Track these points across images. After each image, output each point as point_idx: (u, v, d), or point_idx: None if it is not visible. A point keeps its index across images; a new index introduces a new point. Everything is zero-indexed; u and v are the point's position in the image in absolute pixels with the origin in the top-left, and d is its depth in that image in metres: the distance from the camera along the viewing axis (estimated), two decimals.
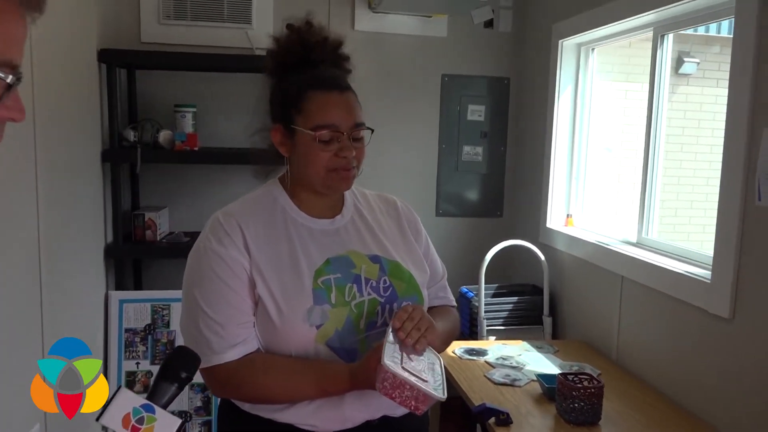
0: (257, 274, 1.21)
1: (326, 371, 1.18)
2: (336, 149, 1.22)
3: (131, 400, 0.82)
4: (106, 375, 2.78)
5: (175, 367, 0.88)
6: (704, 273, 2.03)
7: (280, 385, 1.19)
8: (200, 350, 1.18)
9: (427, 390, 1.06)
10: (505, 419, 1.89)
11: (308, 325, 1.19)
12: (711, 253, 2.01)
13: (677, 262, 2.21)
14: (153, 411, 0.82)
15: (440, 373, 1.16)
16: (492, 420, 1.90)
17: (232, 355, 1.19)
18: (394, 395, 1.06)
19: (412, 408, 1.08)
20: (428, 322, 1.19)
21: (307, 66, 1.27)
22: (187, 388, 2.77)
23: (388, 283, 1.28)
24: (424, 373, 1.10)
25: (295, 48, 1.27)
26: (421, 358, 1.15)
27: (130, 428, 0.80)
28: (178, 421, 0.83)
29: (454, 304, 1.51)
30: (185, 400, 2.81)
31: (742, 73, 1.81)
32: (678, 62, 5.61)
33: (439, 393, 1.09)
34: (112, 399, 0.82)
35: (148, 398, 0.85)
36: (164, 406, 0.85)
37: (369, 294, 1.25)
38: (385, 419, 1.27)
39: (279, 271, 1.22)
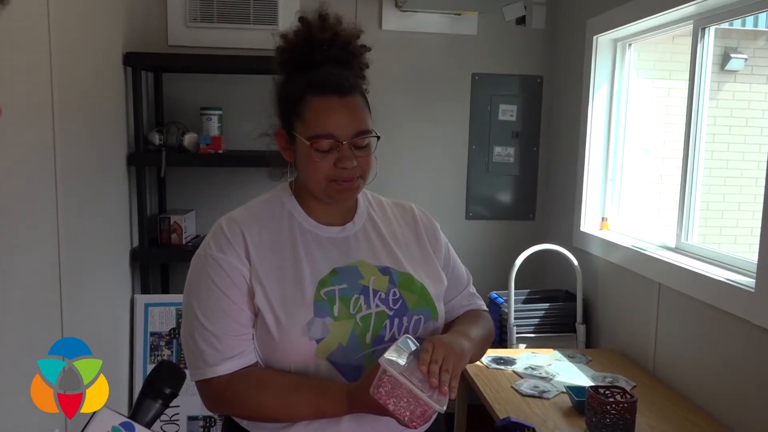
0: (257, 284, 1.15)
1: (324, 391, 1.10)
2: (335, 159, 1.14)
3: (111, 419, 0.79)
4: (131, 378, 2.79)
5: (158, 383, 0.85)
6: (748, 281, 1.90)
7: (274, 403, 1.11)
8: (195, 362, 1.14)
9: (427, 400, 0.97)
10: None
11: (308, 339, 1.11)
12: (754, 258, 1.88)
13: (719, 269, 2.08)
14: (133, 429, 0.80)
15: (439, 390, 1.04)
16: None
17: (227, 368, 1.12)
18: (388, 402, 0.98)
19: (405, 420, 0.99)
20: (455, 356, 1.07)
21: (310, 66, 1.19)
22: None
23: (398, 295, 1.19)
24: (423, 387, 1.01)
25: (299, 46, 1.19)
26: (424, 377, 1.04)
27: None
28: None
29: (485, 308, 1.40)
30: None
31: None
32: (724, 58, 5.38)
33: (441, 405, 0.99)
34: (92, 418, 0.79)
35: (131, 416, 0.82)
36: (148, 425, 0.82)
37: (377, 306, 1.16)
38: None
39: (280, 280, 1.15)
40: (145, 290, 2.87)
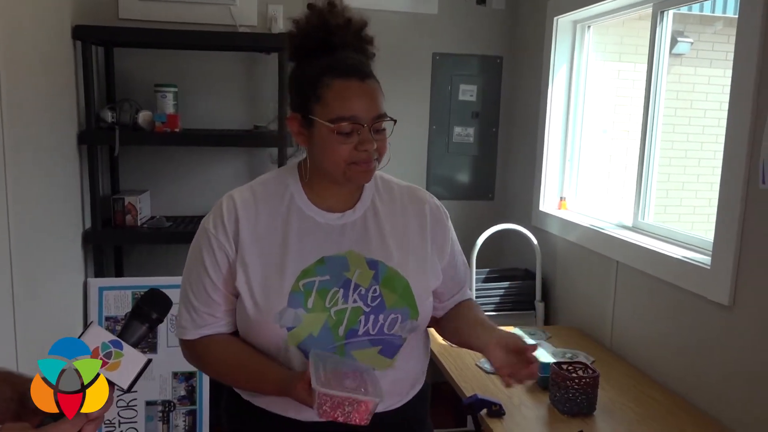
0: (240, 267, 1.19)
1: (264, 374, 1.19)
2: (356, 142, 1.14)
3: (101, 336, 0.85)
4: None
5: (146, 308, 0.90)
6: (704, 259, 1.97)
7: (226, 372, 1.24)
8: (177, 321, 1.27)
9: (364, 397, 1.04)
10: (497, 410, 1.83)
11: (279, 326, 1.16)
12: (709, 237, 1.95)
13: (675, 247, 2.15)
14: (121, 347, 0.85)
15: (380, 391, 1.10)
16: (484, 411, 1.83)
17: (196, 335, 1.24)
18: (336, 415, 1.04)
19: (357, 421, 1.04)
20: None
21: (327, 50, 1.18)
22: (170, 377, 2.74)
23: (378, 292, 1.20)
24: (352, 382, 1.10)
25: (315, 31, 1.18)
26: (346, 371, 1.13)
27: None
28: (144, 359, 0.85)
29: (473, 298, 1.47)
30: (168, 389, 2.73)
31: (747, 53, 1.73)
32: (671, 42, 5.52)
33: (378, 396, 1.06)
34: (83, 333, 0.84)
35: (119, 335, 0.87)
36: (134, 345, 0.87)
37: (354, 302, 1.19)
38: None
39: (264, 266, 1.19)
40: (99, 273, 2.77)
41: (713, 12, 5.73)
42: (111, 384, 0.83)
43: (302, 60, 1.21)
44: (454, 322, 1.35)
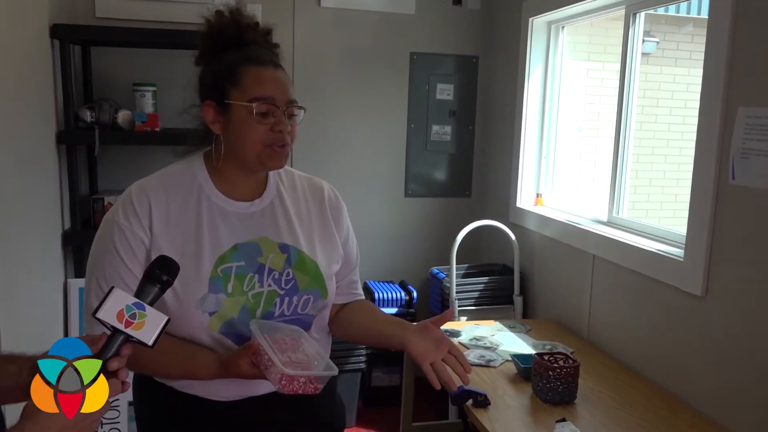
0: (156, 254, 1.17)
1: (195, 357, 1.21)
2: (272, 123, 1.21)
3: (124, 299, 0.90)
4: None
5: (157, 271, 0.97)
6: (677, 251, 2.05)
7: (150, 362, 1.21)
8: (87, 315, 1.19)
9: (322, 373, 1.14)
10: (482, 401, 1.88)
11: (201, 312, 1.21)
12: (681, 231, 2.03)
13: (649, 240, 2.23)
14: (143, 308, 0.91)
15: (319, 351, 1.22)
16: (470, 402, 1.89)
17: None
18: (295, 388, 1.12)
19: (312, 390, 1.14)
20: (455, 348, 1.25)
21: (240, 45, 1.26)
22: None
23: (291, 275, 1.28)
24: (304, 358, 1.17)
25: (228, 29, 1.26)
26: (293, 346, 1.20)
27: (124, 322, 0.89)
28: (165, 317, 0.92)
29: (363, 297, 1.51)
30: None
31: (716, 52, 1.81)
32: None
33: (333, 369, 1.16)
34: (106, 297, 0.89)
35: (135, 296, 0.93)
36: (150, 304, 0.93)
37: (269, 285, 1.26)
38: None
39: (180, 255, 1.19)
40: (79, 274, 2.75)
41: (677, 12, 5.89)
42: (137, 342, 0.89)
43: (215, 55, 1.26)
44: (364, 322, 1.41)
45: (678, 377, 2.02)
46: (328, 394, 1.42)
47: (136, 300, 0.91)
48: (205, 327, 1.22)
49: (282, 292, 1.27)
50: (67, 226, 2.73)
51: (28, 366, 0.92)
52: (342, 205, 1.44)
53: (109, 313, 0.88)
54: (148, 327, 0.90)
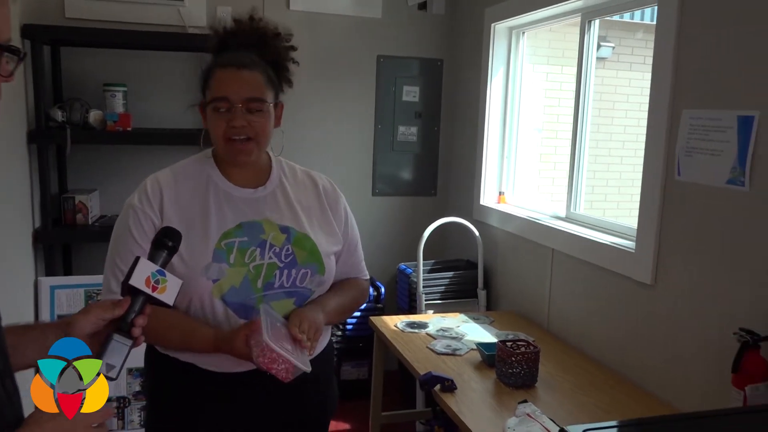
0: None
1: (194, 332, 1.33)
2: (228, 119, 1.34)
3: (149, 267, 1.03)
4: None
5: (163, 238, 1.10)
6: (629, 243, 2.19)
7: (159, 334, 1.34)
8: (104, 288, 1.37)
9: (298, 364, 1.25)
10: (449, 386, 1.98)
11: (205, 279, 1.33)
12: (634, 225, 2.18)
13: (604, 234, 2.37)
14: (164, 275, 1.04)
15: (304, 352, 1.32)
16: (437, 387, 1.99)
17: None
18: (271, 368, 1.23)
19: (283, 378, 1.25)
20: (315, 325, 1.36)
21: (223, 49, 1.42)
22: (125, 373, 2.77)
23: (290, 251, 1.41)
24: (291, 349, 1.27)
25: (215, 36, 1.44)
26: (286, 337, 1.30)
27: (150, 287, 1.02)
28: (180, 282, 1.06)
29: (366, 276, 1.66)
30: (123, 385, 2.76)
31: (664, 58, 1.96)
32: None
33: (307, 366, 1.27)
34: (134, 266, 1.02)
35: (149, 260, 1.06)
36: (162, 266, 1.07)
37: (270, 258, 1.39)
38: None
39: (189, 229, 1.33)
40: (49, 272, 2.77)
41: (632, 18, 6.12)
42: (160, 303, 1.03)
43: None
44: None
45: (630, 361, 2.16)
46: (326, 381, 1.55)
47: (159, 268, 1.04)
48: (208, 293, 1.34)
49: (282, 265, 1.39)
50: (38, 224, 2.75)
51: (51, 329, 0.99)
52: (339, 194, 1.57)
53: (139, 280, 1.01)
54: (169, 290, 1.04)
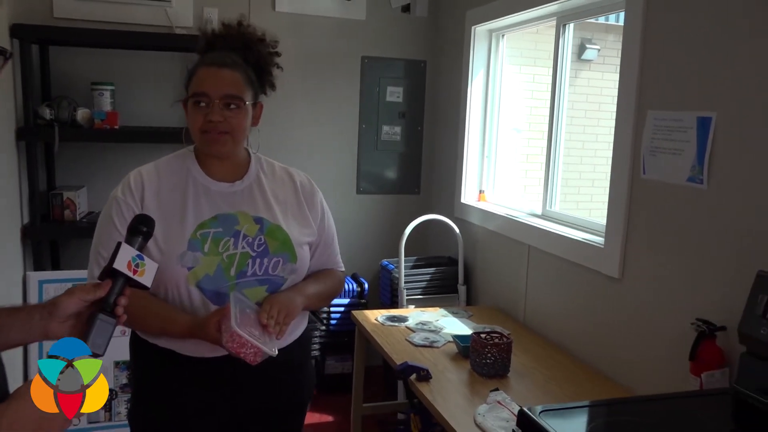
0: None
1: (172, 318, 1.40)
2: (206, 113, 1.42)
3: (130, 252, 1.10)
4: (26, 357, 2.75)
5: (137, 225, 1.18)
6: (598, 239, 2.27)
7: (139, 318, 1.40)
8: (89, 277, 1.46)
9: (265, 349, 1.31)
10: (425, 375, 2.06)
11: (180, 266, 1.40)
12: (603, 221, 2.26)
13: (576, 230, 2.45)
14: (143, 258, 1.12)
15: (272, 338, 1.38)
16: (413, 376, 2.06)
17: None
18: (240, 352, 1.29)
19: (251, 361, 1.31)
20: (286, 309, 1.42)
21: (209, 50, 1.51)
22: (111, 366, 2.82)
23: (263, 240, 1.48)
24: (258, 334, 1.34)
25: (203, 38, 1.53)
26: (254, 323, 1.37)
27: (132, 270, 1.08)
28: (156, 265, 1.13)
29: (342, 268, 1.72)
30: (111, 378, 2.82)
31: (630, 61, 2.04)
32: (581, 48, 5.92)
33: (273, 351, 1.33)
34: (116, 252, 1.08)
35: (125, 243, 1.12)
36: (139, 249, 1.15)
37: (243, 248, 1.46)
38: None
39: (167, 219, 1.42)
40: (37, 267, 2.82)
41: (617, 21, 6.22)
42: (139, 285, 1.09)
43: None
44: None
45: (599, 352, 2.24)
46: (301, 366, 1.62)
47: (138, 252, 1.11)
48: (184, 281, 1.41)
49: (254, 254, 1.46)
50: (26, 220, 2.80)
51: (37, 309, 1.05)
52: (315, 189, 1.64)
53: (121, 264, 1.07)
54: (147, 273, 1.11)
